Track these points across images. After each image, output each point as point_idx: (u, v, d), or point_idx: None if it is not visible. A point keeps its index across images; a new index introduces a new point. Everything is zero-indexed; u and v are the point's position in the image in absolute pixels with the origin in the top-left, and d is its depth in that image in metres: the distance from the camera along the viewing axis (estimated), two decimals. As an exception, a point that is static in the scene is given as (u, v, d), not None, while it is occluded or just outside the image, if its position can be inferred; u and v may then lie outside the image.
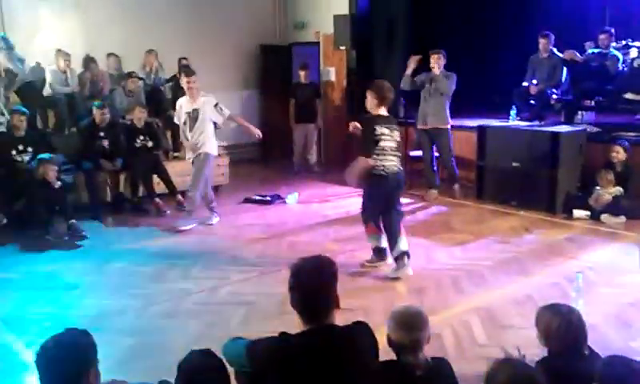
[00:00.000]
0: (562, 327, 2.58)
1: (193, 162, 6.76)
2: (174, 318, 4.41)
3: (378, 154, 4.92)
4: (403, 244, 5.10)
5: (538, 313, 2.75)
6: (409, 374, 2.56)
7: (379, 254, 5.31)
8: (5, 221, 6.49)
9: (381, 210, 5.15)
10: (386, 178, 4.98)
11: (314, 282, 2.41)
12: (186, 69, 7.17)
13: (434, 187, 7.94)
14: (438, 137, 7.81)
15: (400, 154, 5.14)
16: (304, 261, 2.48)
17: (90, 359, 2.10)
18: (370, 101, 5.06)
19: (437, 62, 7.61)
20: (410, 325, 2.55)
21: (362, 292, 4.77)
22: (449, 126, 7.79)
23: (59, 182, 6.60)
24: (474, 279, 5.07)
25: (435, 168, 7.98)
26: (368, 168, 4.92)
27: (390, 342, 2.60)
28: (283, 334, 2.47)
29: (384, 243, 5.23)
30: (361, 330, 2.57)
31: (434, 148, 7.93)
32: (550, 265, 5.46)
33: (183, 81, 6.68)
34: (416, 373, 2.55)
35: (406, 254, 5.08)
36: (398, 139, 5.09)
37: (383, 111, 5.07)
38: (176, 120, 6.92)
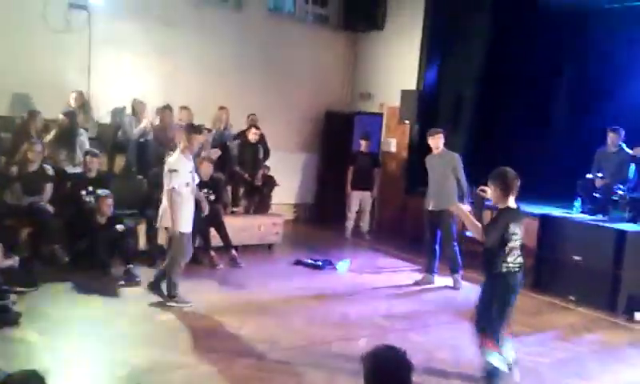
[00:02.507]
0: None
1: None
2: (224, 380, 4.39)
3: (507, 253, 4.33)
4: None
5: None
6: None
7: (492, 380, 4.42)
8: (67, 259, 6.69)
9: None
10: (514, 281, 4.40)
11: (396, 378, 2.41)
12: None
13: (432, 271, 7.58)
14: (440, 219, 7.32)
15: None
16: (380, 353, 2.48)
17: None
18: (494, 192, 4.43)
19: (435, 143, 7.38)
20: None
21: (415, 379, 4.62)
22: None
23: (122, 226, 6.80)
24: (532, 378, 4.86)
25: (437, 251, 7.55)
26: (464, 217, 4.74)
27: None
28: None
29: (503, 366, 4.41)
30: None
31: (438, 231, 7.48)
32: (611, 370, 5.23)
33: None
34: None
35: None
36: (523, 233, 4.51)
37: (512, 202, 4.40)
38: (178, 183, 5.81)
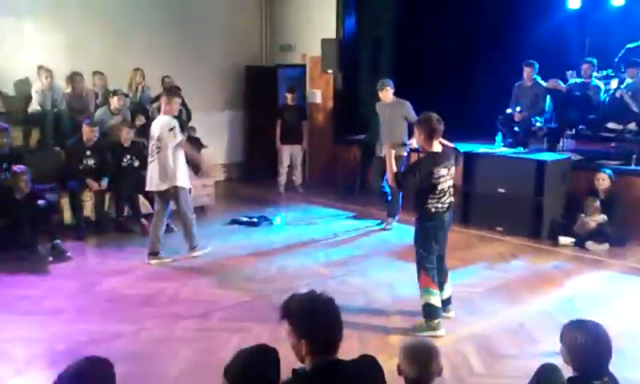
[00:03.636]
0: (588, 343, 2.59)
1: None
2: (166, 343, 4.34)
3: (438, 196, 4.49)
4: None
5: (564, 328, 2.74)
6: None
7: (429, 316, 4.57)
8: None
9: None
10: (441, 219, 4.57)
11: (330, 316, 2.43)
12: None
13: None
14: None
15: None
16: (310, 297, 2.50)
17: None
18: (419, 136, 4.56)
19: (384, 96, 7.53)
20: (421, 360, 2.55)
21: (354, 319, 4.70)
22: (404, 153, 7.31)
23: (44, 201, 6.48)
24: (466, 306, 5.10)
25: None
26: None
27: (400, 372, 2.60)
28: (295, 371, 2.46)
29: (438, 303, 4.61)
30: (370, 364, 2.58)
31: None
32: (539, 292, 5.53)
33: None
34: None
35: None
36: (454, 174, 4.67)
37: (436, 146, 4.52)
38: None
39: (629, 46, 8.63)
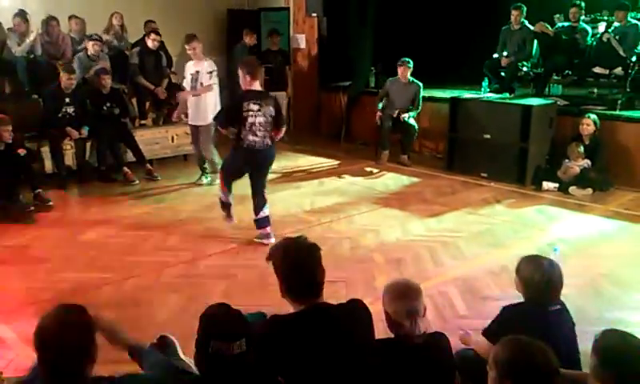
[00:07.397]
0: (542, 282, 2.80)
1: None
2: (153, 291, 4.34)
3: (247, 130, 4.95)
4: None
5: (521, 262, 2.97)
6: (407, 345, 2.52)
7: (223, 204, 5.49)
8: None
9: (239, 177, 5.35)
10: (252, 157, 5.07)
11: (310, 261, 2.47)
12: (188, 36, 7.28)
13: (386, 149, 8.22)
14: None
15: (269, 129, 5.04)
16: (290, 243, 2.58)
17: (92, 337, 2.04)
18: (242, 78, 5.06)
19: (403, 73, 7.99)
20: (405, 294, 2.53)
21: (341, 265, 4.76)
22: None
23: (24, 150, 6.35)
24: (451, 251, 5.14)
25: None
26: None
27: (388, 317, 2.58)
28: (275, 316, 2.48)
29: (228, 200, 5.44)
30: (357, 307, 2.60)
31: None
32: (522, 237, 5.57)
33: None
34: (414, 341, 2.52)
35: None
36: (272, 114, 5.05)
37: (256, 86, 5.09)
38: (184, 83, 7.16)
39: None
